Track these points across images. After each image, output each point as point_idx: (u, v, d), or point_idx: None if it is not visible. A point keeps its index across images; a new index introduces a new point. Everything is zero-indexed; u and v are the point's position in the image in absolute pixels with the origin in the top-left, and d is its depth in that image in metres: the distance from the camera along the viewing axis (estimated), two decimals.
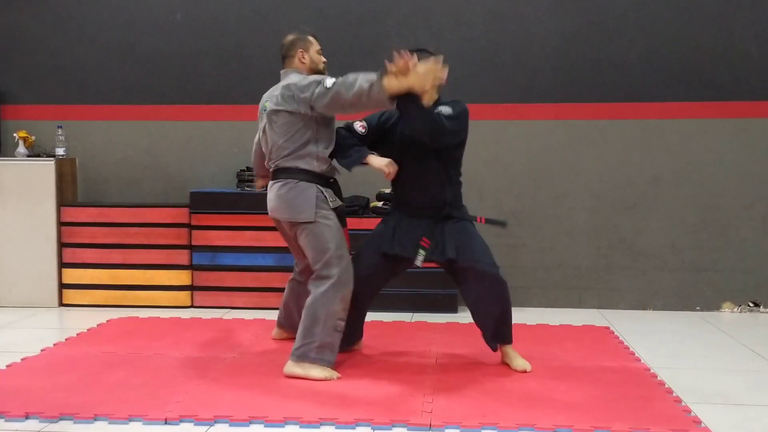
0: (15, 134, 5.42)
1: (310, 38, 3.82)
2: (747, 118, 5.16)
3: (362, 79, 3.38)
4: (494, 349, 3.82)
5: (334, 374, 3.55)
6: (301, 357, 3.55)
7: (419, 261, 3.69)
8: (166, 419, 3.05)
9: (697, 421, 3.04)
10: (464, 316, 4.96)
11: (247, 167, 5.27)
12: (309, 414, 3.07)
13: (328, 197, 3.63)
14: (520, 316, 5.00)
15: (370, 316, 4.86)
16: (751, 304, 5.19)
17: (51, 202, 5.22)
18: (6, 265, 5.25)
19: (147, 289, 5.22)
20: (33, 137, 5.44)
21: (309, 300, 3.58)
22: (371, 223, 5.10)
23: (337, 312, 3.55)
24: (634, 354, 4.03)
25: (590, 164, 5.28)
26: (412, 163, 3.69)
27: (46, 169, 5.22)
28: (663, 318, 5.02)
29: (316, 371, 3.52)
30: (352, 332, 3.88)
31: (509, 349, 3.81)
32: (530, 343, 4.23)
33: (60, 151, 5.34)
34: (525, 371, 3.71)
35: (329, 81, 3.47)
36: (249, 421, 3.04)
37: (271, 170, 3.73)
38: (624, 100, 5.23)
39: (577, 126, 5.28)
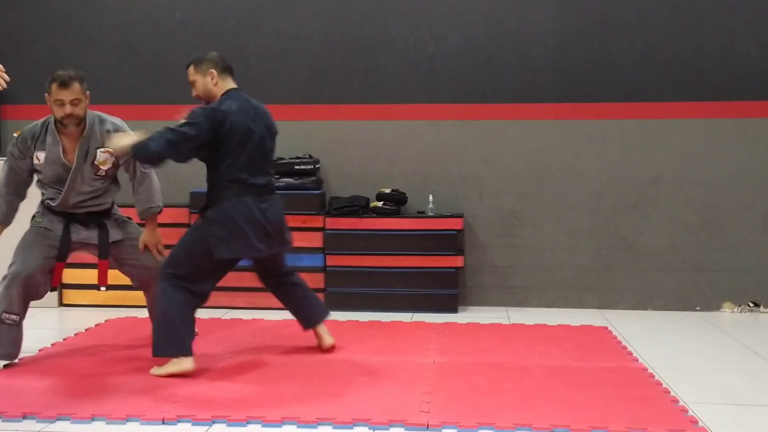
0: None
1: (53, 87, 3.74)
2: (747, 118, 5.16)
3: None
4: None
5: None
6: None
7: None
8: (163, 419, 3.05)
9: (694, 421, 3.03)
10: (463, 317, 4.96)
11: None
12: (306, 414, 3.07)
13: (37, 216, 3.96)
14: (520, 316, 5.01)
15: (369, 316, 4.89)
16: (751, 304, 5.18)
17: None
18: (6, 265, 5.23)
19: None
20: None
21: None
22: (371, 223, 5.13)
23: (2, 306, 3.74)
24: (632, 354, 4.02)
25: (590, 164, 5.28)
26: None
27: None
28: (663, 318, 5.01)
29: None
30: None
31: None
32: (530, 343, 4.22)
33: None
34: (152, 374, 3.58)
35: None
36: (247, 421, 3.03)
37: None
38: (624, 100, 5.23)
39: (577, 126, 5.28)
